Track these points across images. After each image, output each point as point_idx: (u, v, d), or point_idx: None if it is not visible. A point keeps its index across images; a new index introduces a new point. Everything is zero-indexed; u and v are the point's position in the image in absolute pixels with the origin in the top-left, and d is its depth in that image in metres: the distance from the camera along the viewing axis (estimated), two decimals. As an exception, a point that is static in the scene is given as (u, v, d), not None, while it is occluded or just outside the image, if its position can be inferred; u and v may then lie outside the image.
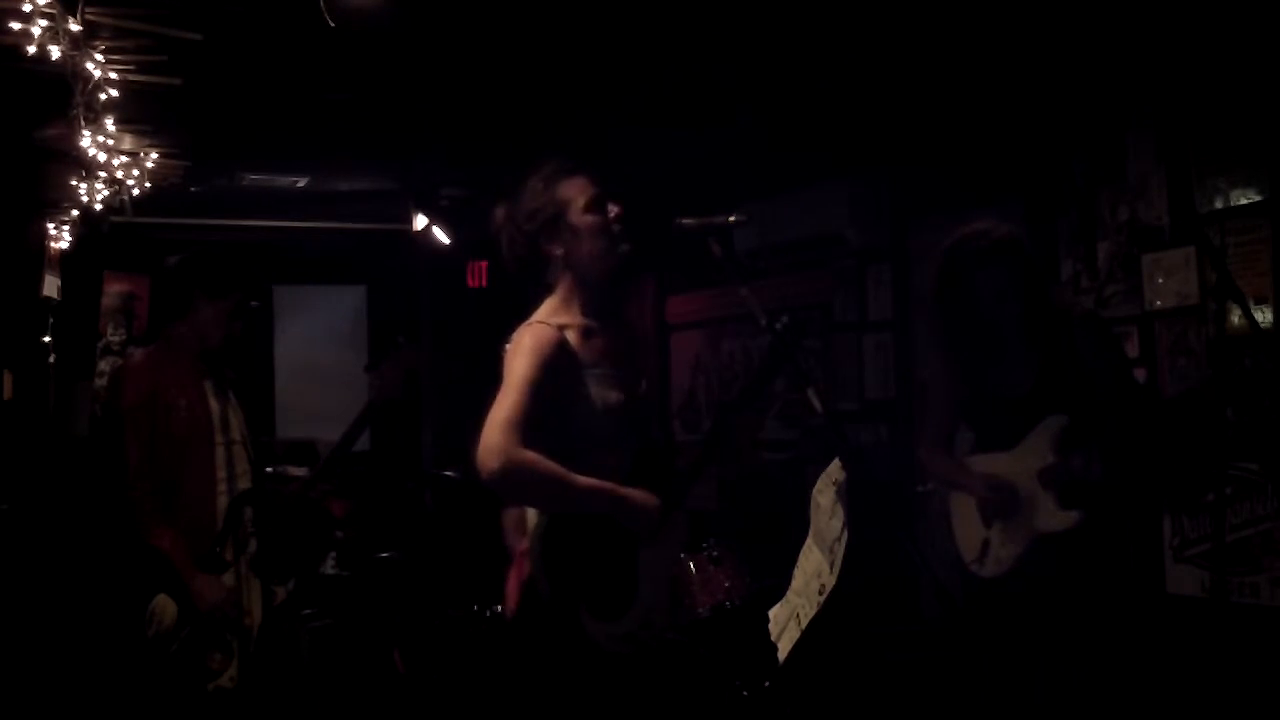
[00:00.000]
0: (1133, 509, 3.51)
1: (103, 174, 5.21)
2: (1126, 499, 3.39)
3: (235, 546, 3.46)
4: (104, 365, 7.63)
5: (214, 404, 3.59)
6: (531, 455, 2.49)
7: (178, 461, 3.47)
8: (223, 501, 3.52)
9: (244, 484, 3.56)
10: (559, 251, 2.76)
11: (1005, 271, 3.23)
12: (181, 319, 3.63)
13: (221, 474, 3.54)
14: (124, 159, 5.14)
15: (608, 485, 2.58)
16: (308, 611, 4.92)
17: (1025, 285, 3.24)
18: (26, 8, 3.31)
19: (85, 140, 4.52)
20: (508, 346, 2.71)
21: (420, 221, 7.12)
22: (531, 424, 2.51)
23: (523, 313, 2.81)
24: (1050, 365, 3.26)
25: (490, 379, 2.85)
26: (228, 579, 3.45)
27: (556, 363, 2.61)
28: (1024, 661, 3.25)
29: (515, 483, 2.50)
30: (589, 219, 2.77)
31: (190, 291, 3.61)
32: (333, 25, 3.53)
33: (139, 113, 4.59)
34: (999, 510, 3.29)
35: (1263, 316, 3.74)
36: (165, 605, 3.39)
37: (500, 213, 2.88)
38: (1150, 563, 4.20)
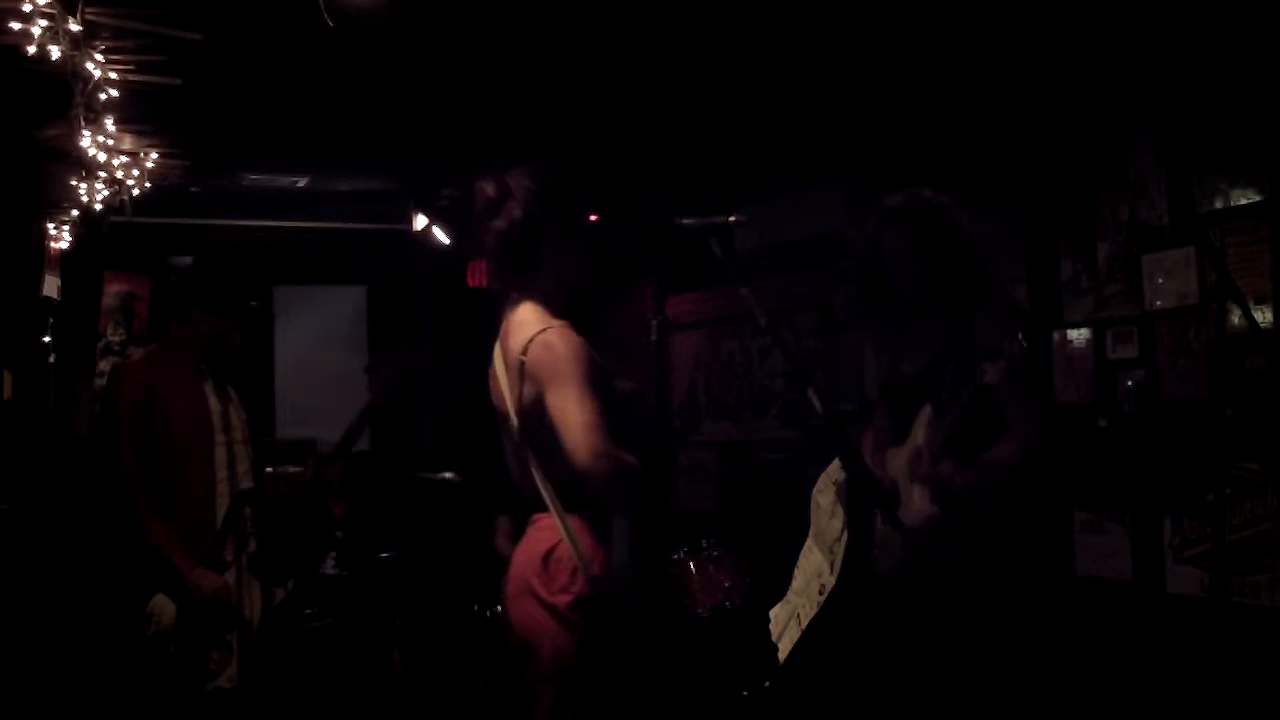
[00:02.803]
0: (1003, 511, 3.07)
1: (103, 174, 5.21)
2: (993, 499, 3.07)
3: (235, 546, 3.47)
4: (104, 365, 7.62)
5: (214, 403, 3.59)
6: (627, 453, 2.59)
7: (175, 460, 3.48)
8: (223, 500, 3.52)
9: (246, 483, 3.56)
10: (557, 239, 2.79)
11: (913, 232, 3.15)
12: (181, 325, 3.65)
13: (221, 473, 3.55)
14: (124, 159, 5.14)
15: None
16: (309, 611, 4.92)
17: (931, 249, 3.12)
18: (26, 8, 3.31)
19: (85, 140, 4.52)
20: (527, 357, 2.69)
21: (420, 221, 7.11)
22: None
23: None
24: (948, 345, 3.12)
25: (489, 379, 2.84)
26: (228, 578, 3.44)
27: (596, 361, 2.68)
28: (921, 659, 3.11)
29: (623, 481, 2.59)
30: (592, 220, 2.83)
31: (190, 302, 3.62)
32: (332, 25, 3.53)
33: (139, 113, 4.59)
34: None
35: (1263, 316, 3.74)
36: (164, 605, 3.39)
37: (512, 184, 2.85)
38: (1151, 562, 4.20)
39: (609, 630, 2.67)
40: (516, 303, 2.83)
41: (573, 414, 2.57)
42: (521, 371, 2.71)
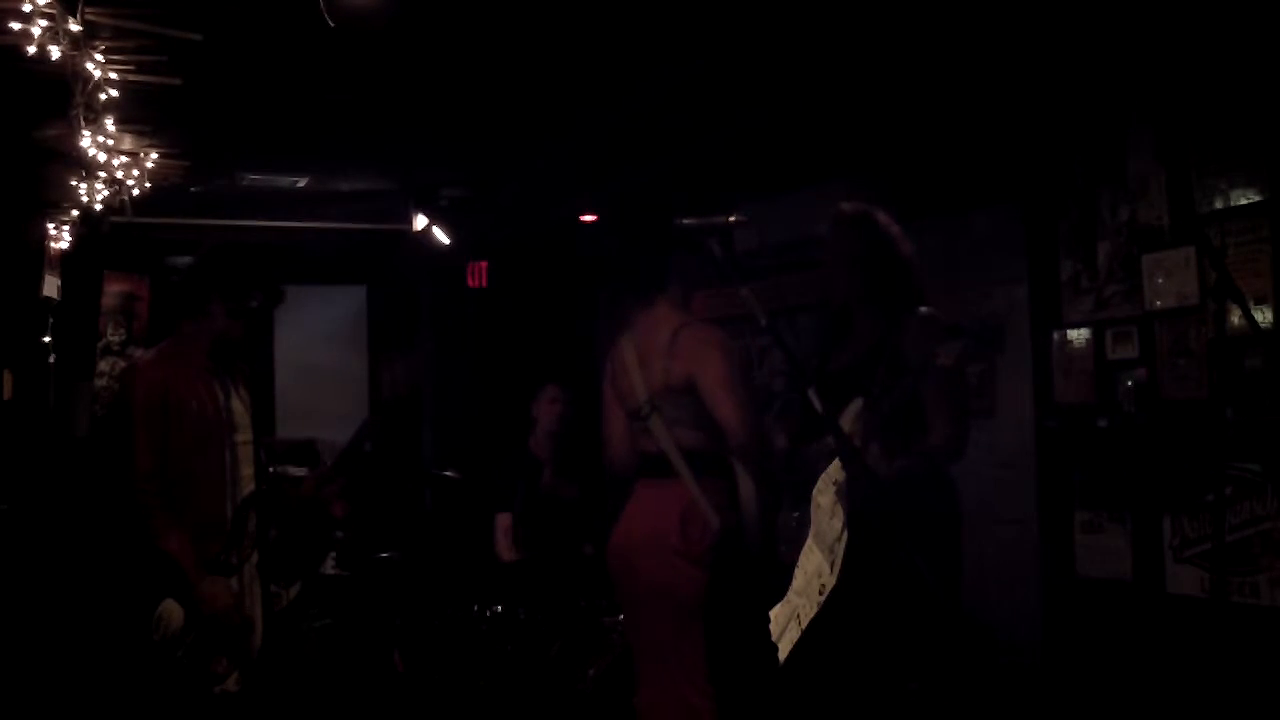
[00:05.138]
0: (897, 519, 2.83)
1: (103, 174, 5.21)
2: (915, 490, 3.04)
3: (241, 550, 3.44)
4: (104, 365, 7.62)
5: (225, 402, 3.55)
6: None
7: (188, 461, 3.44)
8: (232, 503, 3.48)
9: (252, 486, 3.51)
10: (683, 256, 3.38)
11: (849, 238, 3.38)
12: (195, 318, 3.59)
13: (231, 475, 3.50)
14: (124, 159, 5.14)
15: None
16: (312, 610, 4.92)
17: (869, 258, 3.32)
18: (26, 8, 3.31)
19: (85, 140, 4.52)
20: (678, 343, 3.23)
21: (420, 221, 7.11)
22: None
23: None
24: (879, 346, 3.25)
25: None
26: (232, 583, 3.42)
27: (736, 349, 3.35)
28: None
29: (763, 447, 3.23)
30: None
31: (207, 294, 3.56)
32: (332, 25, 3.53)
33: (139, 113, 4.59)
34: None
35: (1263, 316, 3.74)
36: (172, 610, 3.37)
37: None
38: (1151, 562, 4.20)
39: (737, 573, 3.15)
40: (652, 304, 3.40)
41: (726, 389, 3.15)
42: (671, 354, 3.23)
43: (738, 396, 3.16)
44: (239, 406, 3.57)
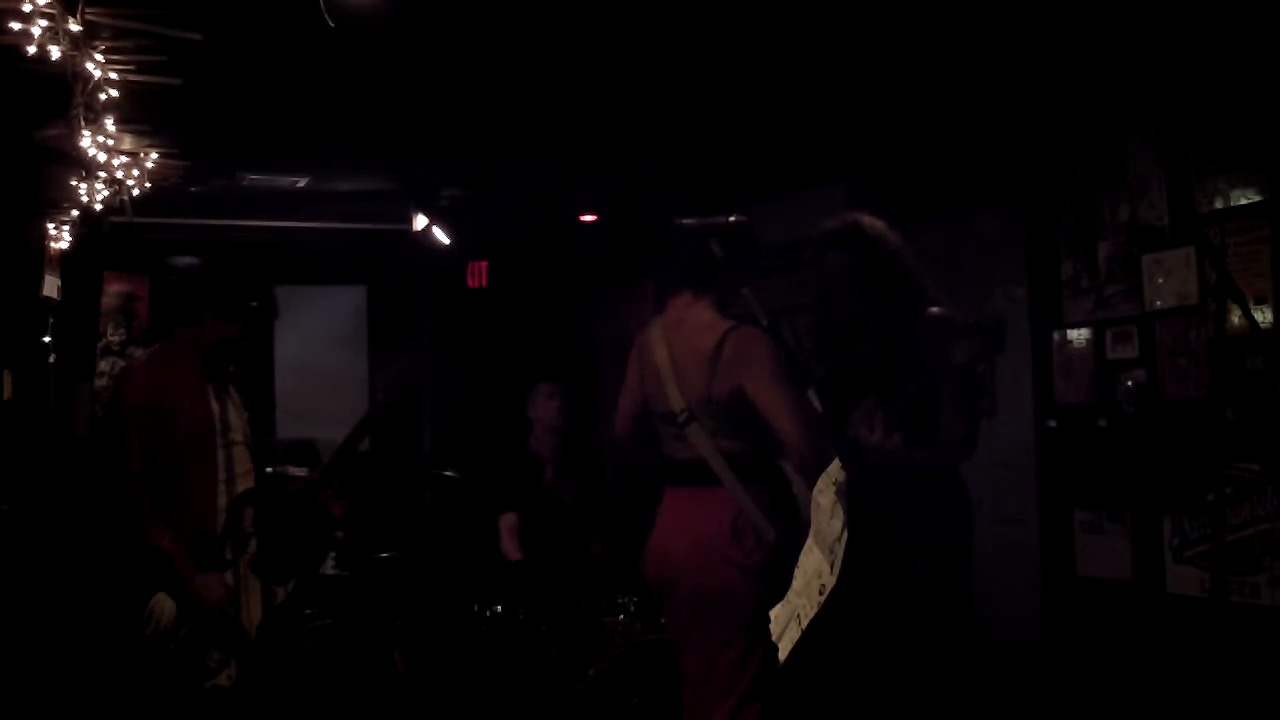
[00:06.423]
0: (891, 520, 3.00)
1: (103, 174, 5.21)
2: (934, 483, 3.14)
3: (235, 546, 3.46)
4: (104, 365, 7.62)
5: (215, 405, 3.58)
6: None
7: (180, 461, 3.47)
8: (224, 502, 3.51)
9: (245, 484, 3.54)
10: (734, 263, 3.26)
11: (849, 251, 3.36)
12: (187, 326, 3.61)
13: (223, 475, 3.54)
14: (124, 159, 5.14)
15: None
16: (309, 611, 4.92)
17: (866, 265, 3.33)
18: (26, 8, 3.31)
19: (85, 140, 4.52)
20: (724, 350, 3.13)
21: (420, 221, 7.12)
22: None
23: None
24: (889, 345, 3.26)
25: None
26: (228, 578, 3.45)
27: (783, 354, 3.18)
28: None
29: (823, 456, 3.02)
30: None
31: (200, 306, 3.58)
32: (332, 25, 3.53)
33: (139, 113, 4.59)
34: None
35: (1263, 316, 3.74)
36: (164, 604, 3.39)
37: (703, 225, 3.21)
38: (1151, 562, 4.20)
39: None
40: (691, 304, 3.29)
41: (782, 400, 3.06)
42: (716, 364, 3.13)
43: (795, 407, 3.06)
44: (231, 408, 3.62)
